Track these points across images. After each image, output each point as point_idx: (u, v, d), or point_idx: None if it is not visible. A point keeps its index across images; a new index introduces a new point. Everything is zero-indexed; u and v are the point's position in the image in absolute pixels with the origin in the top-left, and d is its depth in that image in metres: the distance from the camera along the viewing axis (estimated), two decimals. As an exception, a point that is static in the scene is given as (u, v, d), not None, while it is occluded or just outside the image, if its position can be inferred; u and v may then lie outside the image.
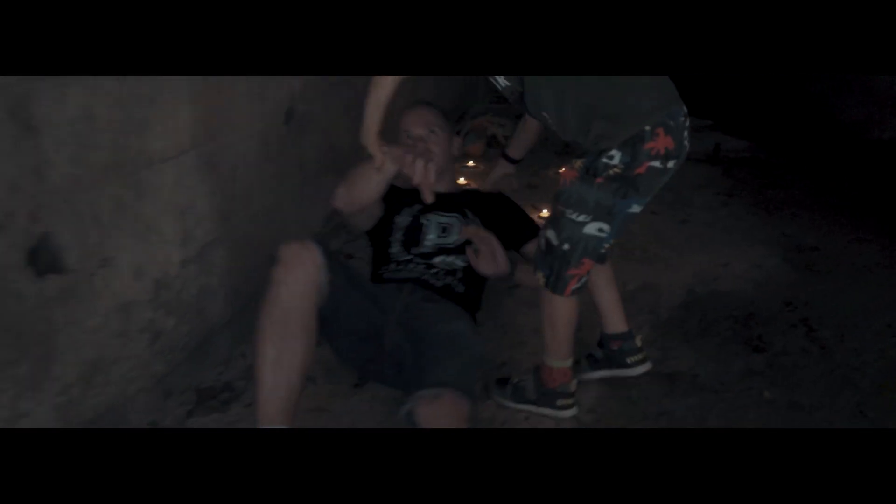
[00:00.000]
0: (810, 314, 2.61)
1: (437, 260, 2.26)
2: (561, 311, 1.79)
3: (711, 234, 3.38)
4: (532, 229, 2.50)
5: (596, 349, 2.12)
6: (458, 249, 2.30)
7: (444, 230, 2.37)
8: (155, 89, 1.70)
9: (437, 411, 1.53)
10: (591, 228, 1.66)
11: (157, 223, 1.80)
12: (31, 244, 1.41)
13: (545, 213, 3.51)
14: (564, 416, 1.92)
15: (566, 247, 1.69)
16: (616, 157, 1.60)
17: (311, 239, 1.76)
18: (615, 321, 2.06)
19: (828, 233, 3.40)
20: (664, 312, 2.63)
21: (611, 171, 1.61)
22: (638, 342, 2.09)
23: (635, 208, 1.70)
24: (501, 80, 1.72)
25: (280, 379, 1.58)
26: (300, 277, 1.67)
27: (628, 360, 2.06)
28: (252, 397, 1.89)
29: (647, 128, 1.58)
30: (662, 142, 1.59)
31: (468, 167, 4.40)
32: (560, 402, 1.91)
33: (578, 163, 1.68)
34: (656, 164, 1.62)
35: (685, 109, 1.69)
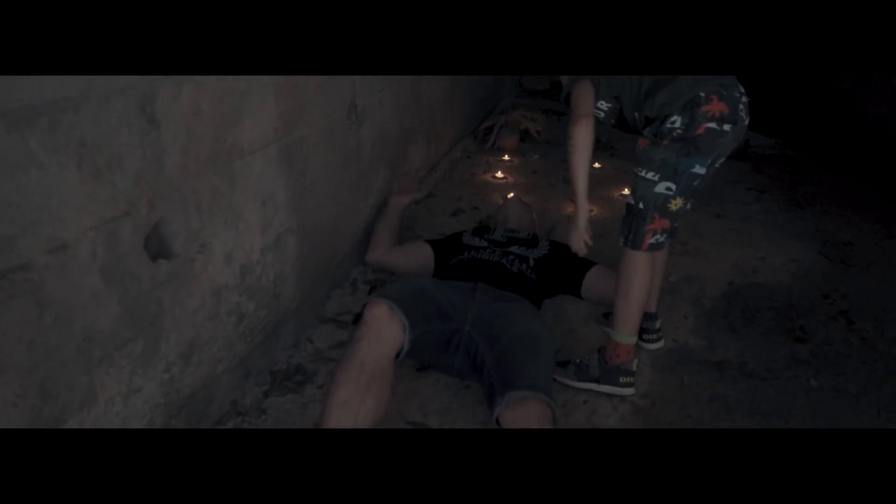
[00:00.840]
0: (849, 307, 2.70)
1: (512, 248, 2.50)
2: (638, 273, 1.98)
3: (747, 228, 3.46)
4: (588, 263, 2.60)
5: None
6: (531, 241, 2.56)
7: (514, 230, 2.66)
8: (247, 86, 1.80)
9: (527, 413, 1.66)
10: (661, 188, 1.89)
11: (244, 211, 1.91)
12: (147, 230, 1.52)
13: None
14: (626, 393, 2.04)
15: (641, 205, 1.93)
16: (677, 120, 1.84)
17: (393, 302, 1.87)
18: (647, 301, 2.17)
19: (860, 229, 3.48)
20: (707, 303, 2.72)
21: (674, 133, 1.85)
22: (657, 325, 2.32)
23: (698, 168, 1.88)
24: (603, 105, 2.08)
25: (344, 418, 1.64)
26: (385, 338, 1.81)
27: (644, 337, 2.27)
28: (323, 379, 2.01)
29: (702, 93, 1.82)
30: (717, 106, 1.81)
31: (503, 161, 4.48)
32: (623, 379, 2.03)
33: (647, 131, 1.93)
34: (713, 125, 1.82)
35: (742, 90, 1.93)
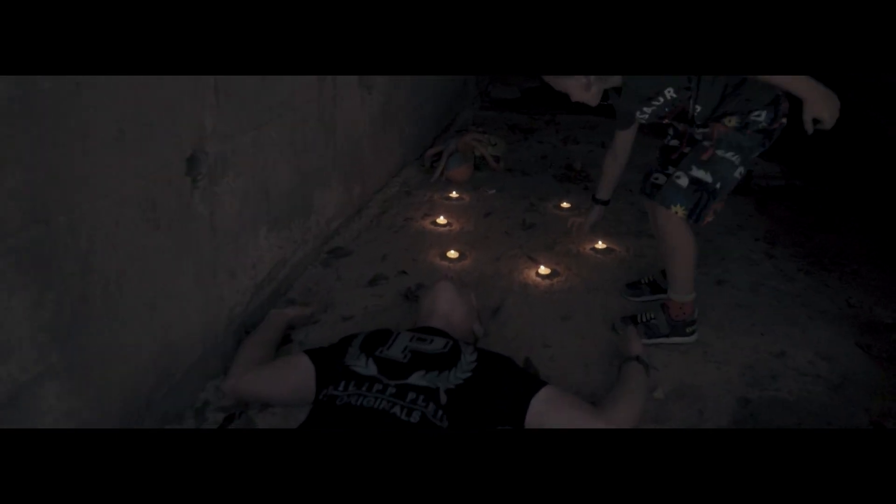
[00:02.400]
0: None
1: (413, 378, 1.69)
2: (690, 245, 2.14)
3: (758, 302, 2.63)
4: (534, 384, 1.78)
5: (661, 278, 2.60)
6: (448, 358, 1.77)
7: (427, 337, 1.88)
8: None
9: None
10: (738, 172, 2.05)
11: None
12: None
13: (543, 269, 2.75)
14: (692, 339, 2.33)
15: (719, 185, 2.02)
16: (762, 115, 2.00)
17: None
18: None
19: (904, 302, 2.66)
20: (711, 439, 1.88)
21: (759, 126, 2.01)
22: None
23: (756, 154, 2.08)
24: (669, 94, 2.03)
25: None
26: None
27: (687, 330, 2.33)
28: None
29: (779, 93, 2.00)
30: (786, 104, 2.04)
31: (450, 198, 3.61)
32: (688, 328, 2.32)
33: (732, 120, 2.01)
34: (784, 121, 2.07)
35: None
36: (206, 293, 2.00)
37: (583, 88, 2.01)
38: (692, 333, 2.31)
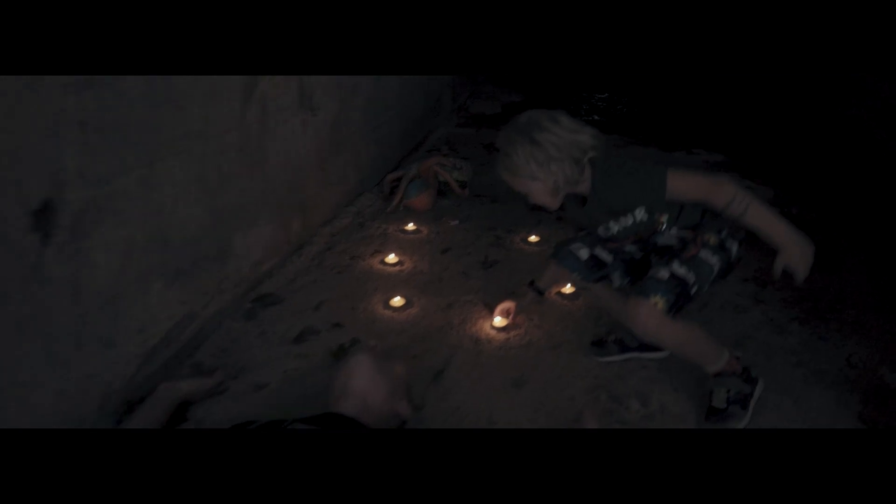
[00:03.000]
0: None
1: None
2: (686, 329, 1.89)
3: (742, 360, 2.26)
4: None
5: (629, 336, 2.27)
6: None
7: None
8: None
9: None
10: (706, 284, 1.89)
11: None
12: None
13: (499, 321, 2.40)
14: (762, 385, 2.08)
15: (695, 289, 1.85)
16: (735, 247, 1.95)
17: None
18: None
19: (915, 359, 2.29)
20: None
21: (730, 255, 1.94)
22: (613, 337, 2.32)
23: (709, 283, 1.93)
24: (639, 215, 1.91)
25: None
26: None
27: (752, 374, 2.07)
28: None
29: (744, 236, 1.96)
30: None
31: (405, 231, 3.26)
32: (752, 372, 2.06)
33: (713, 238, 1.90)
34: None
35: None
36: (67, 372, 1.65)
37: (547, 192, 1.84)
38: (757, 377, 2.06)
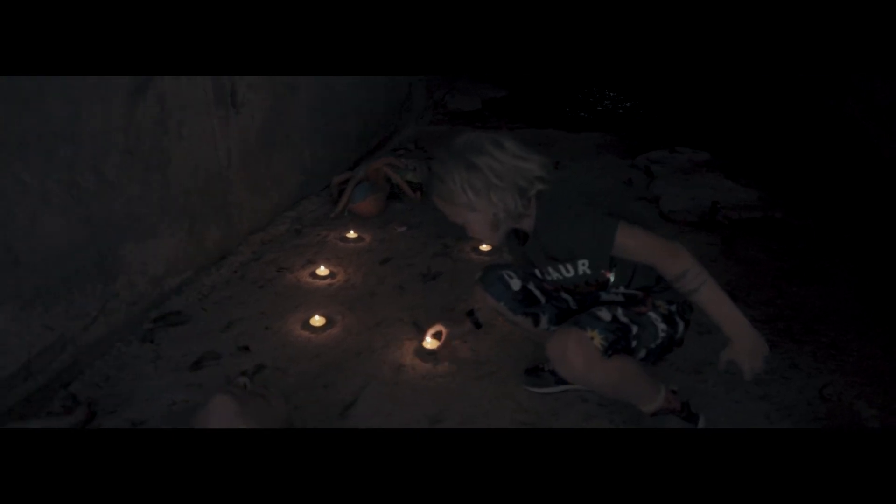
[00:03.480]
0: None
1: None
2: (618, 366, 1.60)
3: (700, 390, 1.97)
4: None
5: None
6: None
7: None
8: None
9: None
10: (649, 350, 1.65)
11: None
12: None
13: (430, 342, 2.12)
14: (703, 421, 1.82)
15: (635, 343, 1.62)
16: (681, 326, 1.68)
17: None
18: None
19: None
20: None
21: (676, 332, 1.67)
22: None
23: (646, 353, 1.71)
24: (581, 268, 1.62)
25: None
26: None
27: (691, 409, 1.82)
28: None
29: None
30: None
31: (346, 239, 2.98)
32: (692, 407, 1.81)
33: (663, 306, 1.65)
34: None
35: None
36: None
37: (486, 225, 1.60)
38: (698, 413, 1.80)
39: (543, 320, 1.83)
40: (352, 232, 3.00)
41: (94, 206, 1.95)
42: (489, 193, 1.50)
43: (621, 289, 1.68)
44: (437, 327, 2.12)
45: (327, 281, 2.61)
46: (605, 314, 1.59)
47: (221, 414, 1.45)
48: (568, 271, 1.63)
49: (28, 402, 1.79)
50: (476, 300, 1.97)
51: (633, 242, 1.48)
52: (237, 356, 2.13)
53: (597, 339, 1.54)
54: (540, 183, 1.53)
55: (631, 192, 3.72)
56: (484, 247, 2.91)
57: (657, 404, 1.70)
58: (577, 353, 1.53)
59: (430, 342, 2.14)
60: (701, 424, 1.76)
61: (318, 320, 2.30)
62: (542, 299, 1.83)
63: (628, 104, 6.08)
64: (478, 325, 2.04)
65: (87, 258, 1.96)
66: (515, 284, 1.84)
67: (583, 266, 1.60)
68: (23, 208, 1.70)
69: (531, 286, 1.85)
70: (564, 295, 1.83)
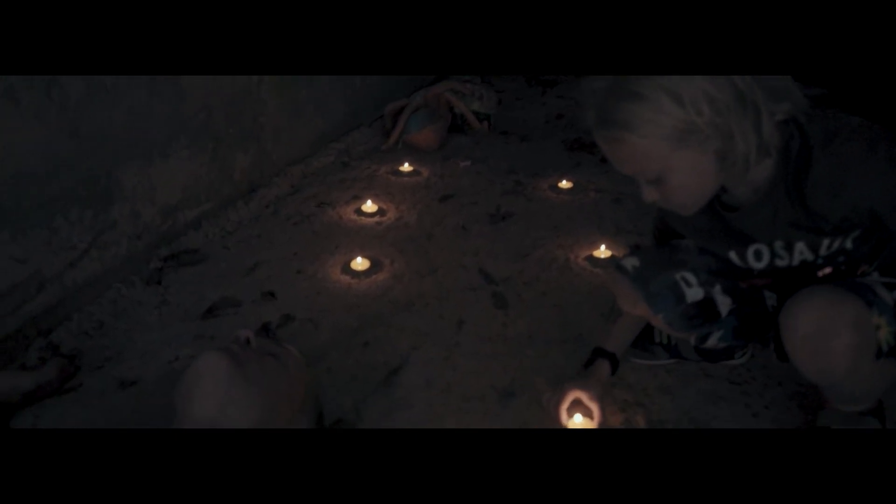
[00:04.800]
0: None
1: None
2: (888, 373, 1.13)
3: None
4: None
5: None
6: None
7: None
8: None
9: None
10: None
11: None
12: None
13: (580, 421, 1.63)
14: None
15: None
16: None
17: None
18: None
19: None
20: None
21: None
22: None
23: None
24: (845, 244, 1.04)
25: None
26: None
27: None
28: None
29: None
30: None
31: (397, 173, 2.53)
32: None
33: None
34: None
35: None
36: None
37: (708, 174, 0.95)
38: None
39: (712, 339, 1.27)
40: (406, 165, 2.55)
41: (83, 115, 1.55)
42: (728, 116, 0.88)
43: (875, 275, 1.09)
44: (574, 394, 1.28)
45: (375, 218, 2.17)
46: (887, 295, 1.02)
47: (212, 377, 1.03)
48: (828, 248, 1.05)
49: (-6, 353, 1.43)
50: (619, 296, 1.26)
51: None
52: (260, 304, 1.72)
53: (884, 329, 1.00)
54: (789, 104, 0.92)
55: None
56: (564, 183, 2.40)
57: (868, 404, 1.18)
58: (850, 344, 0.98)
59: (580, 421, 1.30)
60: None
61: (360, 263, 1.86)
62: (725, 311, 1.23)
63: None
64: (615, 366, 1.35)
65: (73, 179, 1.56)
66: (693, 294, 1.19)
67: (847, 241, 1.04)
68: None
69: (717, 292, 1.21)
70: (769, 293, 1.25)
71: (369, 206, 2.21)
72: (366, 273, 1.85)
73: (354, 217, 2.19)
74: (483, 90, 3.00)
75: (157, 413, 1.29)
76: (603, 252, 1.92)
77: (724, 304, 1.21)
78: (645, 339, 1.45)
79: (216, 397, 1.02)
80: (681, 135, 0.88)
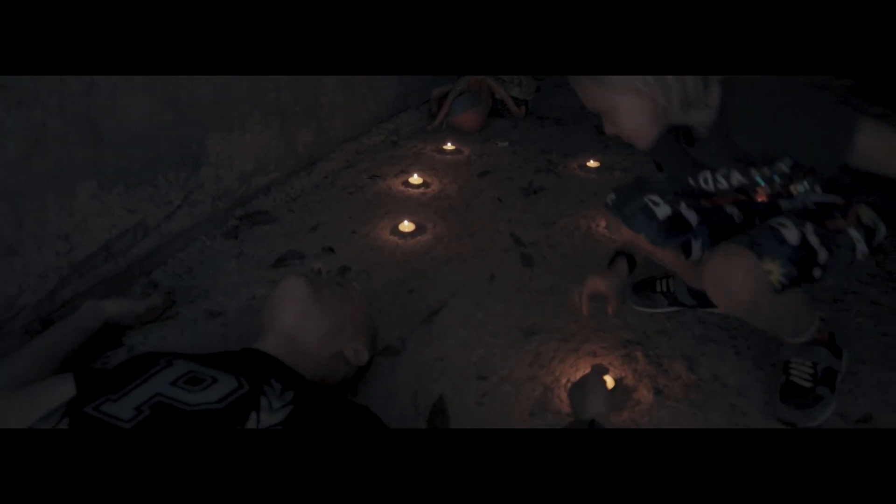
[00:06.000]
0: None
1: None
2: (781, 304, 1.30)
3: (843, 329, 1.68)
4: None
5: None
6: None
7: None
8: None
9: None
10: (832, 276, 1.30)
11: None
12: None
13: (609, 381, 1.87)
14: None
15: (819, 274, 1.23)
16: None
17: None
18: None
19: None
20: None
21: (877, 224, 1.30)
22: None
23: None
24: (781, 168, 1.30)
25: None
26: None
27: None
28: None
29: None
30: None
31: (442, 151, 2.80)
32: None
33: (867, 214, 1.28)
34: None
35: None
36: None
37: (647, 115, 1.19)
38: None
39: (696, 247, 1.47)
40: (449, 144, 2.82)
41: (181, 88, 1.86)
42: (659, 79, 1.14)
43: (818, 190, 1.32)
44: (595, 283, 1.52)
45: (420, 190, 2.45)
46: (791, 234, 1.20)
47: (293, 300, 1.31)
48: (753, 174, 1.30)
49: (109, 285, 1.74)
50: (609, 226, 1.57)
51: (881, 147, 1.09)
52: (321, 257, 2.01)
53: (775, 273, 1.18)
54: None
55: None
56: (591, 163, 2.65)
57: (809, 335, 1.40)
58: (745, 287, 1.19)
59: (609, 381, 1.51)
60: (844, 360, 1.47)
61: (407, 226, 2.14)
62: (696, 221, 1.45)
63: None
64: (632, 263, 1.60)
65: (171, 144, 1.87)
66: (662, 211, 1.43)
67: (784, 166, 1.27)
68: (106, 84, 1.62)
69: (682, 208, 1.44)
70: (729, 208, 1.47)
71: (415, 178, 2.48)
72: (411, 234, 2.13)
73: (402, 188, 2.47)
74: (522, 77, 3.25)
75: (240, 338, 1.60)
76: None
77: (690, 216, 1.44)
78: (647, 289, 1.70)
79: (295, 311, 1.31)
80: (627, 87, 1.15)
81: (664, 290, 1.71)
